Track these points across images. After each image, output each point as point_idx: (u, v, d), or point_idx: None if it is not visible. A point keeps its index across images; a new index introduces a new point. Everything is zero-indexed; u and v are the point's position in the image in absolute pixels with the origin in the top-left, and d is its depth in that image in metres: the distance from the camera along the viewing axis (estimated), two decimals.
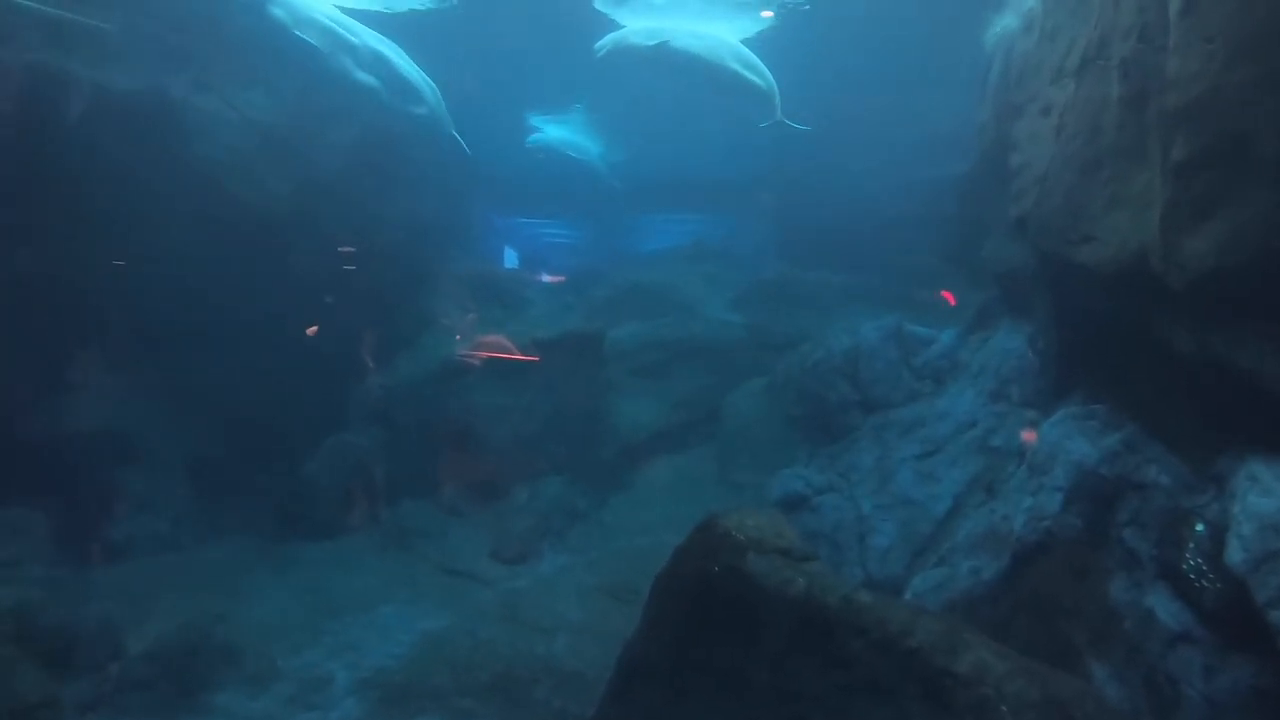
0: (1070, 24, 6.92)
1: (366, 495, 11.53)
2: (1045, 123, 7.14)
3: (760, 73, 13.44)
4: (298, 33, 11.52)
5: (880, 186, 15.20)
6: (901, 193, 14.58)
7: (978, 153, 10.10)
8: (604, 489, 12.30)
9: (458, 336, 13.24)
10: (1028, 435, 7.77)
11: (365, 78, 12.58)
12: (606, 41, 13.22)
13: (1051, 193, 6.69)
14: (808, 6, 12.72)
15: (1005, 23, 9.20)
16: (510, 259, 22.74)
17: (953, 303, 13.47)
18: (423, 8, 13.23)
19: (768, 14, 13.23)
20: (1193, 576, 4.96)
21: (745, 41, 13.75)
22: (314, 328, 12.41)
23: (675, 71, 13.30)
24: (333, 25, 12.18)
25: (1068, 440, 6.49)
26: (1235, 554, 4.49)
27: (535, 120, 18.13)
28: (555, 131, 18.38)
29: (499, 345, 12.80)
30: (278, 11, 11.37)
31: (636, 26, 13.16)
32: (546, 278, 18.57)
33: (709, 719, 5.58)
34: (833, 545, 8.57)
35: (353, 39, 12.45)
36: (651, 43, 12.81)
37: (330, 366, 12.27)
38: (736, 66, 13.21)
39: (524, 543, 10.92)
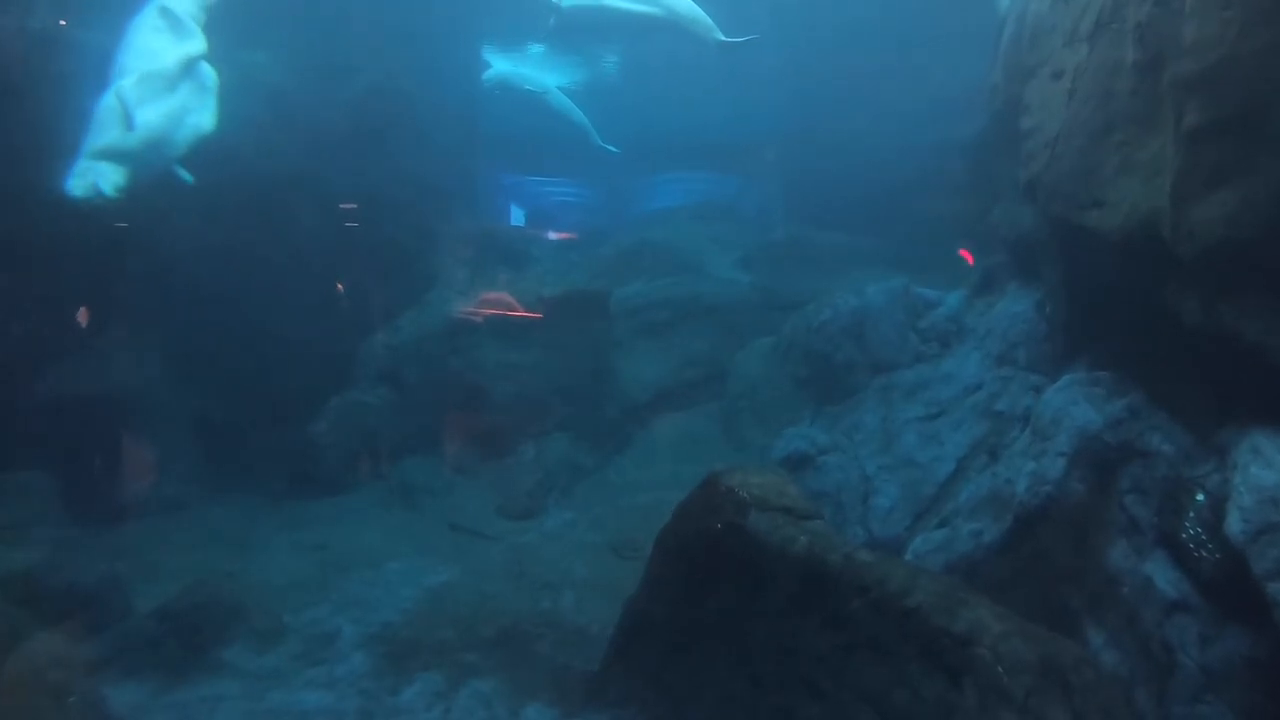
0: None
1: (373, 453, 11.60)
2: (1057, 86, 7.03)
3: (664, 4, 12.69)
4: None
5: (890, 148, 15.00)
6: (911, 154, 14.39)
7: (988, 115, 9.95)
8: (609, 447, 12.33)
9: (463, 294, 13.19)
10: (1032, 400, 7.76)
11: None
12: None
13: (1062, 157, 6.62)
14: None
15: None
16: (516, 217, 22.60)
17: (971, 262, 13.32)
18: None
19: None
20: (1192, 546, 4.99)
21: None
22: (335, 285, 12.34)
23: (577, 28, 13.10)
24: None
25: (1073, 406, 6.47)
26: (1235, 525, 4.51)
27: (487, 54, 17.56)
28: (506, 65, 17.74)
29: (505, 303, 12.75)
30: None
31: None
32: (552, 235, 18.44)
33: (711, 676, 5.67)
34: (836, 505, 8.60)
35: None
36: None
37: (336, 325, 12.28)
38: (628, 4, 12.54)
39: (529, 499, 11.00)
